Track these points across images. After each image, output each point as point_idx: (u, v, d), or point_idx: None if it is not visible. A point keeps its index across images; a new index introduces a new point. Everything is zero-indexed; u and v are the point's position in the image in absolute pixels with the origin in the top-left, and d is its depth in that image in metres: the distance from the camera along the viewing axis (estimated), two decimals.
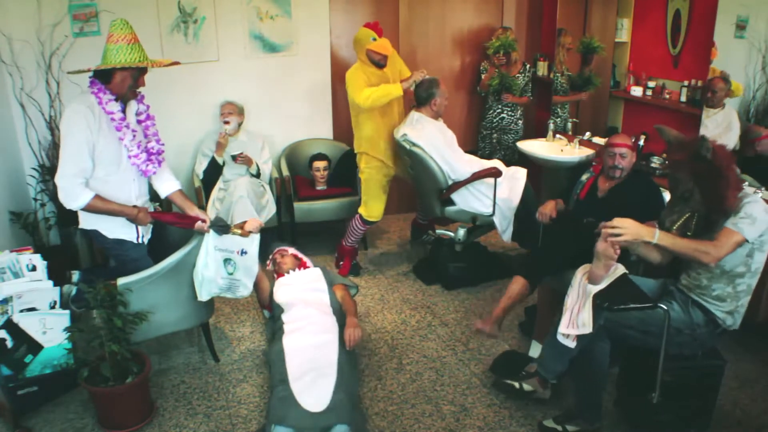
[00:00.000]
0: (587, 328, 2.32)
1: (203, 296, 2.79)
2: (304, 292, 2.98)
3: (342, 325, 2.80)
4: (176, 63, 2.73)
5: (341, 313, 2.91)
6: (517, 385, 2.68)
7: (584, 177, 3.17)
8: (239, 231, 2.75)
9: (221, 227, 2.73)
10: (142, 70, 2.53)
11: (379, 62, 3.65)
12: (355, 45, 3.73)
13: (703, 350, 2.35)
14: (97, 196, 2.50)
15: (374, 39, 3.60)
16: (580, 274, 2.47)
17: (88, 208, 2.51)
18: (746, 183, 3.00)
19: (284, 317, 2.85)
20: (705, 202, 2.22)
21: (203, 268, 2.74)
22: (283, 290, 3.01)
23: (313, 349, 2.62)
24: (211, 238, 2.74)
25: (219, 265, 2.77)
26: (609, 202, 2.98)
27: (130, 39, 2.43)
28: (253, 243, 2.80)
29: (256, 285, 3.01)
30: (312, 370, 2.49)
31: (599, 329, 2.31)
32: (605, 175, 3.06)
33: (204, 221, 2.71)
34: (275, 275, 3.19)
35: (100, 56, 2.46)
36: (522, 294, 2.94)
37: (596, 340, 2.34)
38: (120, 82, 2.48)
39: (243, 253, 2.78)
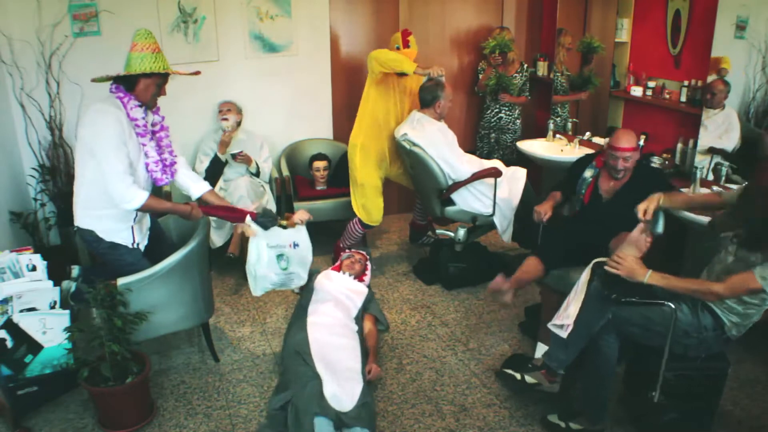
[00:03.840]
0: (569, 320, 2.37)
1: (257, 292, 2.87)
2: (339, 294, 3.08)
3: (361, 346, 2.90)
4: (197, 73, 2.78)
5: (362, 333, 3.01)
6: (518, 376, 2.65)
7: (588, 174, 3.04)
8: (285, 222, 2.80)
9: (268, 219, 2.77)
10: (165, 79, 2.56)
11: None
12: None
13: (708, 354, 2.33)
14: (152, 196, 2.51)
15: (398, 47, 3.67)
16: (585, 273, 2.47)
17: (144, 208, 2.52)
18: None
19: (310, 308, 2.97)
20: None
21: (256, 262, 2.80)
22: (325, 282, 3.15)
23: (337, 350, 2.70)
24: (262, 237, 2.77)
25: (272, 261, 2.82)
26: (614, 206, 2.88)
27: (155, 48, 2.46)
28: (300, 233, 2.87)
29: None
30: (336, 372, 2.56)
31: (607, 323, 2.32)
32: (608, 173, 2.94)
33: (252, 215, 2.76)
34: (334, 267, 3.37)
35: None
36: (536, 271, 2.91)
37: (604, 333, 2.34)
38: (144, 90, 2.50)
39: (295, 245, 2.85)
